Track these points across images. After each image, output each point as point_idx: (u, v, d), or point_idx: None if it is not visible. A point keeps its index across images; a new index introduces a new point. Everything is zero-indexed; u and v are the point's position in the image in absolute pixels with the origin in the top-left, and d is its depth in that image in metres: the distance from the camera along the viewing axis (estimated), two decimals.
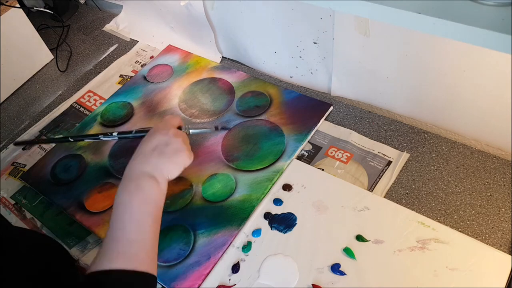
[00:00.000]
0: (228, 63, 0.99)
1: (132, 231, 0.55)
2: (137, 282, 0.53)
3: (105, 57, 1.08)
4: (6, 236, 0.56)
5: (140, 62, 1.04)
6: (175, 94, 0.92)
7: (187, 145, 0.63)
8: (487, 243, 0.62)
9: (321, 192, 0.71)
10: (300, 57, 0.86)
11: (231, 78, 0.92)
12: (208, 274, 0.65)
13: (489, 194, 0.68)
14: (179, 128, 0.67)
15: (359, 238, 0.65)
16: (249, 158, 0.78)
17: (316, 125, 0.81)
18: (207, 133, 0.81)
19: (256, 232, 0.69)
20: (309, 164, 0.76)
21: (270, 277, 0.64)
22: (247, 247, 0.67)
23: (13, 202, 0.81)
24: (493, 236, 0.64)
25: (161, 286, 0.66)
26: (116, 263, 0.52)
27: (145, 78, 0.97)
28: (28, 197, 0.82)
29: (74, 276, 0.65)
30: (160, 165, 0.59)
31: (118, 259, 0.52)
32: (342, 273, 0.62)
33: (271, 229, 0.69)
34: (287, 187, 0.73)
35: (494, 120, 0.70)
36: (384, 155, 0.75)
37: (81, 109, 0.96)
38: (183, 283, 0.65)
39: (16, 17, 0.99)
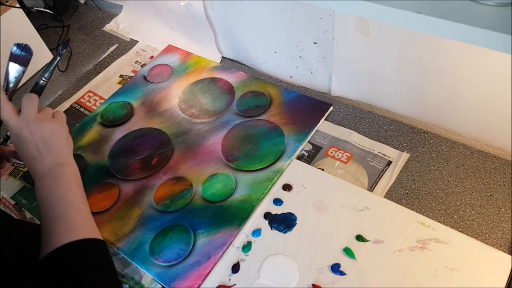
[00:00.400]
0: (228, 63, 0.99)
1: (68, 211, 0.58)
2: (92, 246, 0.57)
3: (105, 57, 1.08)
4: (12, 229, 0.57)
5: (140, 62, 1.04)
6: (175, 94, 0.92)
7: (49, 120, 0.62)
8: (487, 243, 0.62)
9: (321, 192, 0.71)
10: (300, 57, 0.86)
11: (231, 78, 0.92)
12: (208, 274, 0.65)
13: (489, 194, 0.68)
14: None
15: (359, 238, 0.65)
16: (249, 158, 0.78)
17: (316, 125, 0.81)
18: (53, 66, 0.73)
19: (256, 232, 0.69)
20: (309, 164, 0.76)
21: (270, 277, 0.64)
22: (247, 247, 0.67)
23: (13, 202, 0.81)
24: (493, 236, 0.64)
25: (161, 286, 0.66)
26: (68, 237, 0.55)
27: (145, 78, 0.97)
28: (28, 197, 0.82)
29: None
30: (56, 154, 0.61)
31: (67, 233, 0.56)
32: (342, 273, 0.62)
33: (271, 229, 0.69)
34: (287, 187, 0.73)
35: (494, 120, 0.70)
36: (384, 155, 0.75)
37: (81, 109, 0.96)
38: (183, 283, 0.65)
39: (16, 17, 0.99)
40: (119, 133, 0.87)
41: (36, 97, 0.64)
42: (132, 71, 1.02)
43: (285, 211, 0.70)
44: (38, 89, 0.68)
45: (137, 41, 1.10)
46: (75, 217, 0.58)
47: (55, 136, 0.62)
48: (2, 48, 0.96)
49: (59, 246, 0.54)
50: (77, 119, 0.93)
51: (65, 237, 0.55)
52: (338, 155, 0.77)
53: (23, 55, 0.66)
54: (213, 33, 0.96)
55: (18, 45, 0.66)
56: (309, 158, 0.77)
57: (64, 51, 0.69)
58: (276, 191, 0.73)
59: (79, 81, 1.03)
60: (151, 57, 1.04)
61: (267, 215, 0.70)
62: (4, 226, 0.57)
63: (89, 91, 0.99)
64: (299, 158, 0.77)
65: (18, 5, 0.98)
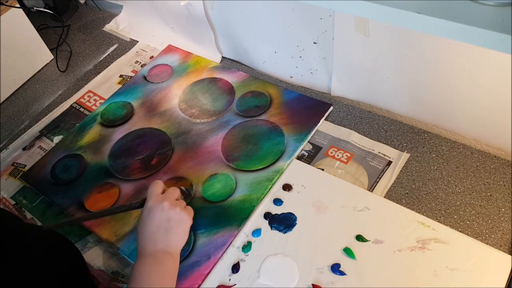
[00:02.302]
0: (228, 63, 0.99)
1: None
2: None
3: (105, 57, 1.08)
4: (20, 234, 0.57)
5: (140, 62, 1.04)
6: (175, 94, 0.92)
7: (182, 208, 0.65)
8: (487, 243, 0.62)
9: (321, 192, 0.71)
10: (300, 57, 0.86)
11: (231, 78, 0.92)
12: (208, 274, 0.65)
13: (489, 194, 0.68)
14: (163, 192, 0.67)
15: (359, 238, 0.65)
16: (249, 158, 0.78)
17: (316, 125, 0.81)
18: None
19: (256, 232, 0.69)
20: (309, 164, 0.76)
21: (270, 277, 0.64)
22: (247, 247, 0.67)
23: (13, 202, 0.81)
24: (493, 236, 0.64)
25: None
26: None
27: (145, 78, 0.97)
28: (28, 197, 0.82)
29: (87, 277, 0.66)
30: (170, 240, 0.62)
31: None
32: (342, 273, 0.62)
33: (271, 229, 0.69)
34: (287, 187, 0.73)
35: (494, 120, 0.70)
36: (384, 155, 0.75)
37: (81, 109, 0.96)
38: (183, 283, 0.65)
39: (16, 17, 0.99)
40: (119, 133, 0.87)
41: (177, 190, 0.68)
42: (132, 71, 1.02)
43: (285, 211, 0.70)
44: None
45: (137, 41, 1.10)
46: None
47: (179, 224, 0.63)
48: (2, 48, 0.97)
49: None
50: (77, 119, 0.93)
51: None
52: (338, 155, 0.77)
53: None
54: (213, 33, 0.96)
55: None
56: (309, 158, 0.77)
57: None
58: (276, 191, 0.73)
59: (79, 81, 1.03)
60: (151, 57, 1.04)
61: (267, 215, 0.70)
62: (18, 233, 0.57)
63: (89, 91, 0.99)
64: (299, 158, 0.77)
65: (18, 5, 0.98)
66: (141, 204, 0.66)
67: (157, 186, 0.66)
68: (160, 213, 0.62)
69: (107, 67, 1.04)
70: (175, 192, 0.66)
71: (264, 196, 0.72)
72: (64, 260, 0.62)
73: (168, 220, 0.62)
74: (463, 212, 0.67)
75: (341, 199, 0.69)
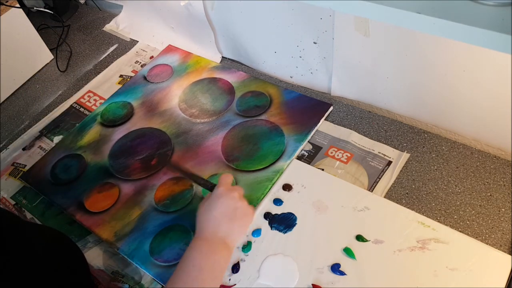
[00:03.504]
0: (228, 63, 0.99)
1: (201, 284, 0.57)
2: None
3: (105, 57, 1.08)
4: (20, 233, 0.57)
5: (140, 62, 1.04)
6: (175, 94, 0.92)
7: (248, 203, 0.65)
8: (487, 243, 0.62)
9: (321, 192, 0.71)
10: (300, 57, 0.86)
11: (231, 78, 0.92)
12: None
13: (489, 194, 0.68)
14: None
15: (359, 238, 0.65)
16: (249, 158, 0.78)
17: (316, 125, 0.81)
18: None
19: (256, 232, 0.69)
20: (309, 164, 0.76)
21: (270, 277, 0.64)
22: (247, 247, 0.67)
23: (13, 202, 0.81)
24: (493, 236, 0.64)
25: (161, 286, 0.66)
26: None
27: (145, 78, 0.97)
28: (28, 197, 0.82)
29: (87, 276, 0.66)
30: (232, 230, 0.62)
31: None
32: (342, 273, 0.62)
33: (271, 229, 0.69)
34: (287, 187, 0.73)
35: (494, 120, 0.70)
36: (384, 155, 0.75)
37: (81, 109, 0.96)
38: None
39: (16, 17, 0.99)
40: (119, 133, 0.87)
41: (241, 188, 0.67)
42: (132, 71, 1.02)
43: (285, 211, 0.70)
44: None
45: (137, 41, 1.10)
46: None
47: (243, 216, 0.63)
48: (2, 48, 0.97)
49: None
50: (77, 119, 0.93)
51: None
52: (338, 155, 0.77)
53: None
54: (213, 33, 0.96)
55: None
56: (309, 158, 0.77)
57: None
58: (276, 191, 0.73)
59: (79, 81, 1.03)
60: (151, 57, 1.04)
61: (267, 215, 0.70)
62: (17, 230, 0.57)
63: (89, 91, 0.99)
64: (299, 158, 0.77)
65: (18, 5, 0.98)
66: (212, 187, 0.67)
67: (229, 177, 0.67)
68: (230, 201, 0.63)
69: (107, 67, 1.04)
70: (241, 189, 0.66)
71: (264, 196, 0.72)
72: (65, 259, 0.62)
73: (235, 209, 0.62)
74: (463, 212, 0.67)
75: (341, 199, 0.69)
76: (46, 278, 0.53)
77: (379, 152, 0.76)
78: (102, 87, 1.00)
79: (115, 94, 0.96)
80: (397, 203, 0.68)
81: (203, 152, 0.81)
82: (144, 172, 0.80)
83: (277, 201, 0.71)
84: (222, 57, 1.00)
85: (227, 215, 0.62)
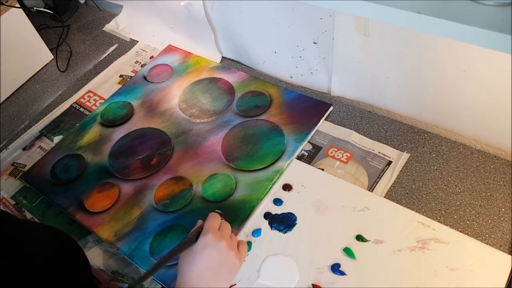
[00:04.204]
0: (228, 63, 0.99)
1: None
2: None
3: (105, 57, 1.08)
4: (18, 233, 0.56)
5: (140, 62, 1.04)
6: (175, 94, 0.92)
7: (237, 252, 0.61)
8: (487, 243, 0.62)
9: (321, 192, 0.71)
10: (300, 57, 0.86)
11: (231, 78, 0.92)
12: None
13: (489, 194, 0.68)
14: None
15: (359, 238, 0.65)
16: (249, 158, 0.78)
17: (316, 125, 0.81)
18: None
19: (256, 232, 0.69)
20: (309, 164, 0.76)
21: (270, 277, 0.64)
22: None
23: (13, 202, 0.81)
24: (493, 236, 0.64)
25: (161, 286, 0.66)
26: None
27: (145, 78, 0.97)
28: (28, 197, 0.82)
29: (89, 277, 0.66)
30: (219, 278, 0.58)
31: None
32: (342, 273, 0.62)
33: (271, 229, 0.69)
34: (287, 187, 0.73)
35: (494, 120, 0.70)
36: (384, 155, 0.75)
37: (81, 109, 0.96)
38: None
39: (16, 17, 0.99)
40: (119, 133, 0.87)
41: (228, 225, 0.63)
42: (132, 71, 1.02)
43: (285, 211, 0.70)
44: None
45: (137, 41, 1.10)
46: None
47: (230, 271, 0.59)
48: (2, 48, 0.97)
49: None
50: (77, 119, 0.93)
51: None
52: (338, 155, 0.77)
53: None
54: (213, 33, 0.96)
55: None
56: (309, 158, 0.77)
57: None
58: (276, 191, 0.73)
59: (79, 81, 1.03)
60: (151, 57, 1.04)
61: (267, 215, 0.70)
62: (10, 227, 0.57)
63: (89, 91, 0.99)
64: (299, 158, 0.77)
65: (18, 5, 0.98)
66: (197, 236, 0.60)
67: (216, 220, 0.62)
68: (216, 252, 0.58)
69: (107, 67, 1.04)
70: (228, 228, 0.62)
71: (264, 196, 0.72)
72: (67, 258, 0.62)
73: (221, 262, 0.58)
74: (463, 212, 0.67)
75: (341, 199, 0.69)
76: (49, 277, 0.53)
77: (379, 152, 0.76)
78: (102, 87, 1.00)
79: (115, 94, 0.96)
80: (397, 203, 0.68)
81: (203, 152, 0.81)
82: (144, 172, 0.80)
83: (277, 201, 0.71)
84: (222, 57, 1.00)
85: (212, 268, 0.57)
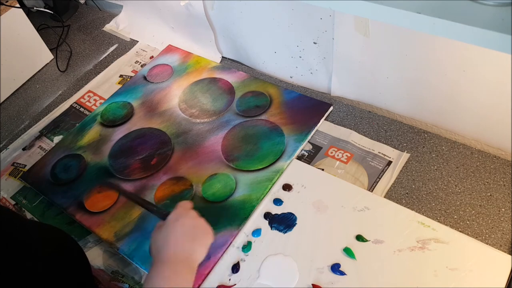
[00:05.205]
0: (228, 63, 0.99)
1: None
2: None
3: (105, 57, 1.08)
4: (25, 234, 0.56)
5: (140, 62, 1.04)
6: (175, 94, 0.92)
7: (208, 224, 0.62)
8: (487, 243, 0.62)
9: (321, 192, 0.71)
10: (300, 57, 0.86)
11: (231, 78, 0.92)
12: (208, 274, 0.65)
13: (489, 194, 0.68)
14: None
15: (359, 238, 0.65)
16: (249, 158, 0.78)
17: (316, 125, 0.81)
18: None
19: (256, 232, 0.69)
20: (309, 164, 0.76)
21: (270, 277, 0.64)
22: (247, 247, 0.67)
23: (13, 202, 0.81)
24: (493, 236, 0.64)
25: None
26: None
27: (145, 78, 0.97)
28: (28, 197, 0.82)
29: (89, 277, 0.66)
30: (193, 250, 0.59)
31: None
32: (342, 273, 0.62)
33: (271, 229, 0.69)
34: (287, 187, 0.73)
35: (494, 120, 0.70)
36: (384, 155, 0.75)
37: (81, 109, 0.96)
38: None
39: (16, 17, 0.99)
40: (119, 133, 0.87)
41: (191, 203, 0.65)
42: (132, 71, 1.02)
43: (285, 211, 0.70)
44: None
45: (137, 41, 1.10)
46: None
47: (204, 235, 0.60)
48: (2, 48, 0.97)
49: None
50: (77, 119, 0.93)
51: None
52: (338, 155, 0.77)
53: None
54: (213, 33, 0.96)
55: None
56: (309, 158, 0.77)
57: None
58: (276, 191, 0.73)
59: (79, 81, 1.03)
60: (151, 57, 1.04)
61: (267, 215, 0.70)
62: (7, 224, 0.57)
63: (89, 91, 0.99)
64: (299, 158, 0.77)
65: (18, 5, 0.98)
66: (165, 216, 0.63)
67: (187, 203, 0.64)
68: (188, 220, 0.60)
69: (107, 67, 1.04)
70: (197, 212, 0.64)
71: (264, 196, 0.72)
72: (68, 258, 0.62)
73: (194, 228, 0.60)
74: (463, 212, 0.67)
75: (341, 199, 0.69)
76: (50, 277, 0.53)
77: (379, 152, 0.76)
78: (102, 87, 1.00)
79: (115, 94, 0.96)
80: (397, 203, 0.68)
81: (203, 152, 0.81)
82: (144, 172, 0.80)
83: (277, 201, 0.71)
84: (222, 57, 1.00)
85: (188, 234, 0.59)
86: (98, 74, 1.03)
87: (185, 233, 0.59)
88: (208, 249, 0.60)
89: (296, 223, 0.68)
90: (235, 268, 0.65)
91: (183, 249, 0.58)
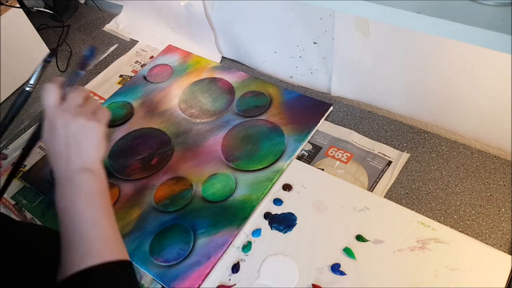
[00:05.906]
0: (228, 63, 0.99)
1: (89, 230, 0.51)
2: (116, 271, 0.51)
3: (105, 57, 1.08)
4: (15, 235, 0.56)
5: (140, 62, 1.04)
6: (175, 94, 0.92)
7: (88, 115, 0.56)
8: (487, 243, 0.62)
9: (321, 192, 0.71)
10: (300, 57, 0.86)
11: (231, 78, 0.92)
12: (208, 274, 0.65)
13: (489, 194, 0.68)
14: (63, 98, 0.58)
15: (359, 238, 0.65)
16: (249, 158, 0.78)
17: (316, 125, 0.81)
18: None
19: (256, 232, 0.69)
20: (309, 164, 0.76)
21: (270, 277, 0.64)
22: (247, 247, 0.67)
23: (13, 202, 0.81)
24: (493, 236, 0.64)
25: (161, 286, 0.66)
26: (87, 261, 0.49)
27: (145, 78, 0.97)
28: (28, 197, 0.82)
29: None
30: (84, 155, 0.54)
31: (87, 257, 0.50)
32: (342, 273, 0.62)
33: (271, 229, 0.69)
34: (287, 187, 0.73)
35: (494, 120, 0.70)
36: (384, 155, 0.75)
37: None
38: (183, 283, 0.65)
39: (16, 17, 0.99)
40: (119, 133, 0.87)
41: (85, 91, 0.59)
42: (132, 71, 1.02)
43: (285, 211, 0.70)
44: (25, 96, 0.66)
45: (137, 41, 1.10)
46: (96, 237, 0.51)
47: (88, 134, 0.55)
48: (2, 48, 0.97)
49: (76, 272, 0.48)
50: None
51: (84, 261, 0.49)
52: (338, 155, 0.77)
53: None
54: (213, 33, 0.96)
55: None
56: (309, 158, 0.77)
57: (50, 60, 0.65)
58: (276, 191, 0.73)
59: (79, 81, 1.03)
60: (151, 57, 1.04)
61: (267, 215, 0.70)
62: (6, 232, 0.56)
63: (89, 91, 0.99)
64: (299, 158, 0.77)
65: (18, 5, 0.98)
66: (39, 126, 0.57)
67: (51, 94, 0.56)
68: (63, 129, 0.54)
69: (107, 67, 1.04)
70: (77, 97, 0.57)
71: (264, 196, 0.72)
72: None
73: (74, 135, 0.54)
74: (463, 212, 0.67)
75: (341, 199, 0.69)
76: (50, 278, 0.53)
77: (379, 152, 0.76)
78: (102, 87, 1.00)
79: (115, 94, 0.96)
80: (397, 203, 0.68)
81: (203, 152, 0.81)
82: (144, 172, 0.80)
83: (277, 201, 0.71)
84: (222, 57, 1.00)
85: (70, 143, 0.54)
86: (98, 74, 1.03)
87: (67, 144, 0.54)
88: (103, 139, 0.56)
89: (296, 223, 0.68)
90: (235, 268, 0.65)
91: (72, 161, 0.54)
